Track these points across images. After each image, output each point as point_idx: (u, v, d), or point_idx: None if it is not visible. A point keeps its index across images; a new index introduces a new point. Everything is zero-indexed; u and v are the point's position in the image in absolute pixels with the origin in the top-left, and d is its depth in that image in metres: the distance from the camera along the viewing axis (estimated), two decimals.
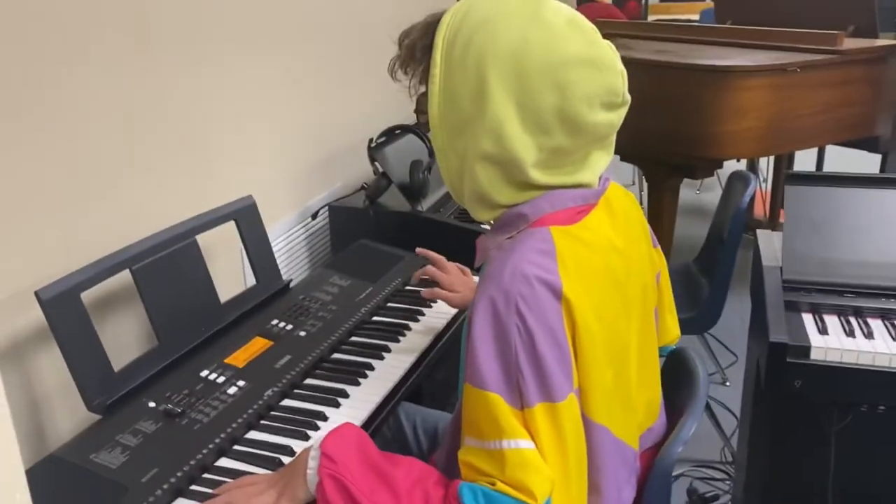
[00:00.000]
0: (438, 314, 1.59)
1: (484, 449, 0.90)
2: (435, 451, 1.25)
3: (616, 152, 3.02)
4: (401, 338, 1.49)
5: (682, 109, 2.57)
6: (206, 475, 1.12)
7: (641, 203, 4.06)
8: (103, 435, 1.16)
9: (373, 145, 2.06)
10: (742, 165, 3.89)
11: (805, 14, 3.04)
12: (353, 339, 1.50)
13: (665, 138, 2.67)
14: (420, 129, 2.11)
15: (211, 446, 1.16)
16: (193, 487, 1.09)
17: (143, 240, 1.38)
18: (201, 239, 1.50)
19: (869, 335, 1.38)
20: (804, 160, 3.65)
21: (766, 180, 3.93)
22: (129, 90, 1.49)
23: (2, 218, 1.24)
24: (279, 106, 2.02)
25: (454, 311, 1.59)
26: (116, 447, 1.13)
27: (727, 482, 2.12)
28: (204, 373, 1.33)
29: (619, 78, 0.98)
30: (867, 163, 3.15)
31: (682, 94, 2.57)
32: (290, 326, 1.50)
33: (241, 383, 1.31)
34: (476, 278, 1.54)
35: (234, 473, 1.11)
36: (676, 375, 1.22)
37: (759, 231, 1.75)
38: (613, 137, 1.06)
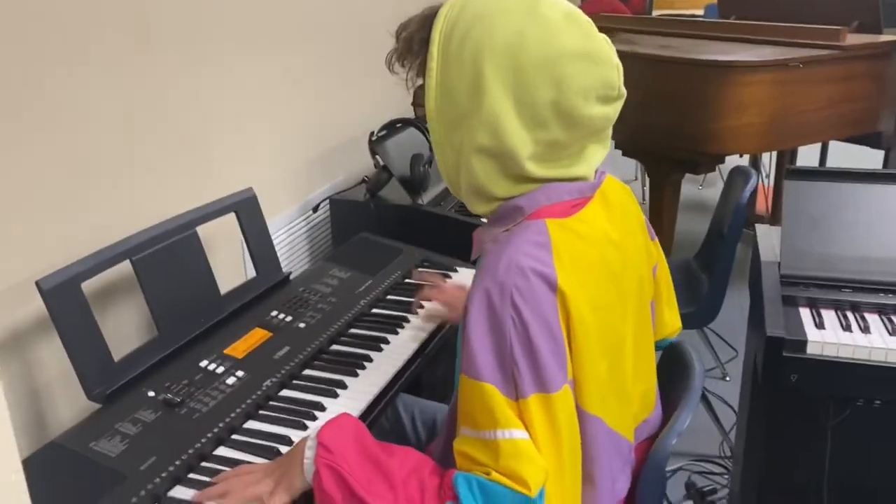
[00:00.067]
0: (438, 307, 1.59)
1: (479, 439, 0.91)
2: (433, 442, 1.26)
3: (618, 147, 3.05)
4: (399, 330, 1.50)
5: (684, 104, 2.57)
6: (204, 464, 1.12)
7: (643, 198, 4.07)
8: (103, 423, 1.17)
9: (374, 139, 2.07)
10: (745, 161, 3.89)
11: (809, 9, 3.04)
12: (353, 330, 1.51)
13: (667, 133, 2.67)
14: (421, 122, 2.12)
15: (209, 435, 1.17)
16: (191, 476, 1.10)
17: (143, 231, 1.39)
18: (202, 231, 1.51)
19: (865, 330, 1.38)
20: (807, 156, 3.64)
21: (768, 176, 3.92)
22: (129, 87, 1.50)
23: (5, 211, 1.25)
24: (280, 101, 2.03)
25: None
26: (116, 435, 1.14)
27: (725, 476, 2.12)
28: (203, 363, 1.34)
29: (614, 71, 0.98)
30: (870, 159, 3.15)
31: (684, 89, 2.57)
32: (289, 318, 1.51)
33: (240, 374, 1.32)
34: None
35: (232, 462, 1.12)
36: (672, 368, 1.23)
37: (758, 226, 1.75)
38: (609, 131, 1.07)
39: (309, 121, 2.17)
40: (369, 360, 1.39)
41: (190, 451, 1.13)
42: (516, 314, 0.90)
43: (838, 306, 1.46)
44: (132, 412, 1.20)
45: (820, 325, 1.40)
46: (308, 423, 1.21)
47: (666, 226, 2.84)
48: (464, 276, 1.73)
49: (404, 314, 1.55)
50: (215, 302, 1.50)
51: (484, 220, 1.68)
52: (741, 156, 3.86)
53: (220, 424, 1.20)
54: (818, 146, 3.60)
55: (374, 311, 1.59)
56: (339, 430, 1.00)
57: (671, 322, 1.27)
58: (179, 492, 1.07)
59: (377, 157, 2.04)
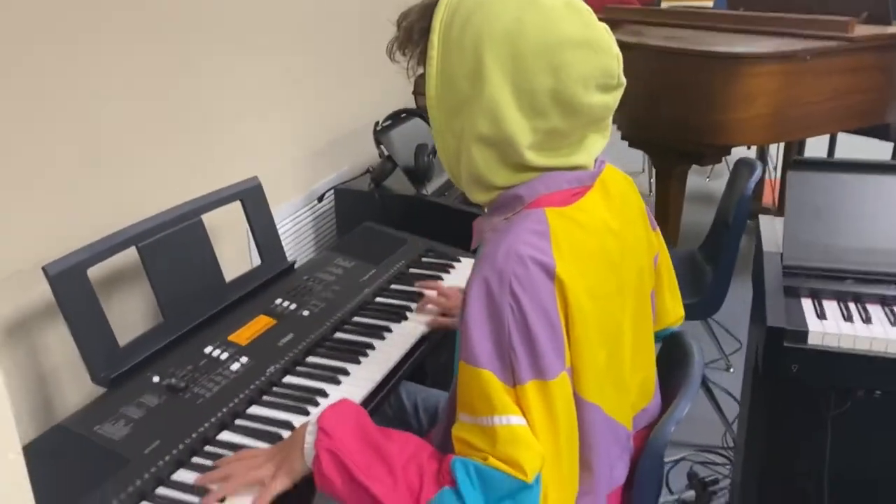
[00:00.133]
0: (444, 320, 1.60)
1: (476, 425, 0.92)
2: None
3: (624, 138, 3.04)
4: (402, 319, 1.51)
5: (691, 96, 2.57)
6: (207, 448, 1.14)
7: (650, 190, 4.06)
8: (108, 407, 1.19)
9: (378, 128, 2.07)
10: (752, 153, 3.87)
11: (818, 1, 3.01)
12: (356, 319, 1.52)
13: (673, 124, 2.67)
14: (423, 112, 2.12)
15: (213, 420, 1.18)
16: (195, 460, 1.11)
17: (149, 218, 1.41)
18: (208, 219, 1.53)
19: (867, 320, 1.38)
20: (815, 148, 3.62)
21: (776, 168, 3.90)
22: (136, 76, 1.51)
23: (14, 198, 1.27)
24: (286, 91, 2.03)
25: None
26: (120, 419, 1.16)
27: (727, 467, 2.13)
28: (208, 349, 1.36)
29: (614, 60, 0.98)
30: (879, 150, 3.13)
31: (690, 81, 2.56)
32: (293, 306, 1.52)
33: (243, 360, 1.34)
34: None
35: (235, 447, 1.14)
36: (672, 357, 1.23)
37: (761, 217, 1.75)
38: (609, 120, 1.07)
39: (314, 111, 2.17)
40: (372, 347, 1.41)
41: (193, 436, 1.14)
42: (514, 302, 0.91)
43: (840, 297, 1.45)
44: (137, 396, 1.22)
45: (821, 315, 1.40)
46: (310, 408, 1.23)
47: (672, 217, 2.84)
48: (467, 266, 1.73)
49: (407, 303, 1.56)
50: (220, 289, 1.51)
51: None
52: (749, 147, 3.85)
53: (224, 409, 1.21)
54: (826, 138, 3.58)
55: (378, 300, 1.60)
56: (339, 415, 1.01)
57: (673, 311, 1.28)
58: (182, 475, 1.08)
59: (382, 147, 2.05)
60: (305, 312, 1.50)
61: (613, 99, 1.01)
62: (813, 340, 1.34)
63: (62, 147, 1.36)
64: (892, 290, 1.45)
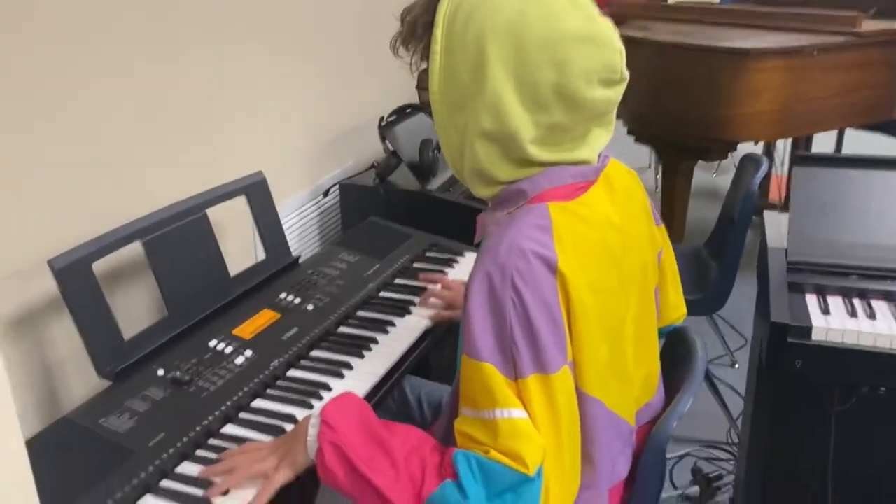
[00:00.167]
0: (448, 314, 1.60)
1: (478, 418, 0.92)
2: None
3: (631, 133, 3.03)
4: (406, 314, 1.51)
5: (696, 91, 2.56)
6: (211, 441, 1.15)
7: (656, 186, 4.05)
8: (113, 400, 1.19)
9: (383, 124, 2.07)
10: (759, 149, 3.85)
11: None
12: (360, 313, 1.52)
13: (679, 120, 2.66)
14: (427, 107, 2.12)
15: (217, 413, 1.19)
16: (199, 452, 1.12)
17: (153, 213, 1.41)
18: (214, 213, 1.53)
19: (872, 316, 1.38)
20: (823, 143, 3.60)
21: (783, 164, 3.89)
22: (142, 72, 1.52)
23: (20, 193, 1.28)
24: (291, 87, 2.04)
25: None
26: (125, 412, 1.17)
27: (732, 462, 2.13)
28: (212, 343, 1.36)
29: (617, 55, 0.98)
30: (888, 146, 3.11)
31: (696, 76, 2.55)
32: (298, 300, 1.53)
33: (248, 354, 1.35)
34: None
35: (239, 440, 1.14)
36: (676, 352, 1.23)
37: (766, 213, 1.75)
38: (613, 115, 1.06)
39: (320, 106, 2.18)
40: (375, 342, 1.41)
41: (197, 429, 1.15)
42: (516, 296, 0.91)
43: (845, 293, 1.45)
44: (142, 390, 1.22)
45: (825, 311, 1.40)
46: (314, 402, 1.23)
47: (678, 213, 2.83)
48: (471, 261, 1.73)
49: (411, 298, 1.57)
50: (225, 283, 1.52)
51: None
52: (756, 143, 3.83)
53: (228, 403, 1.22)
54: (834, 133, 3.57)
55: (382, 294, 1.60)
56: (342, 408, 1.02)
57: (677, 307, 1.28)
58: (186, 468, 1.09)
59: (386, 142, 2.05)
60: (310, 307, 1.51)
61: (616, 93, 1.01)
62: (817, 336, 1.34)
63: (67, 143, 1.37)
64: None
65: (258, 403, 1.24)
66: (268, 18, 1.91)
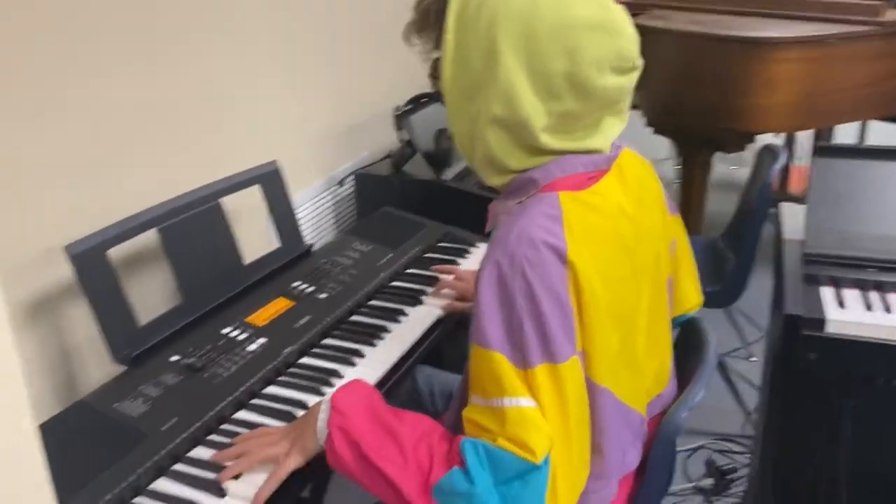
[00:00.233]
0: (460, 305, 1.60)
1: (487, 406, 0.92)
2: None
3: (648, 124, 2.99)
4: (418, 303, 1.51)
5: (714, 81, 2.53)
6: (223, 426, 1.16)
7: (675, 177, 4.01)
8: (127, 385, 1.21)
9: (399, 113, 2.07)
10: (780, 140, 3.80)
11: None
12: (372, 302, 1.53)
13: (697, 110, 2.63)
14: (441, 95, 2.12)
15: (229, 399, 1.20)
16: (211, 437, 1.13)
17: (169, 200, 1.43)
18: (230, 202, 1.54)
19: (888, 310, 1.36)
20: (846, 135, 3.55)
21: (804, 155, 3.84)
22: (159, 60, 1.53)
23: (39, 180, 1.30)
24: (307, 75, 2.04)
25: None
26: (139, 397, 1.18)
27: (747, 455, 2.11)
28: (226, 330, 1.38)
29: (629, 42, 0.97)
30: None
31: (713, 66, 2.52)
32: (311, 288, 1.54)
33: (261, 341, 1.36)
34: None
35: (251, 425, 1.15)
36: (688, 343, 1.23)
37: (783, 204, 1.73)
38: (627, 103, 1.06)
39: (335, 96, 2.18)
40: (387, 331, 1.42)
41: (210, 414, 1.16)
42: (526, 285, 0.91)
43: (861, 286, 1.43)
44: (156, 375, 1.24)
45: (841, 303, 1.38)
46: (325, 389, 1.24)
47: (695, 205, 2.80)
48: (484, 251, 1.73)
49: (423, 287, 1.57)
50: (239, 271, 1.53)
51: None
52: (777, 135, 3.78)
53: (241, 389, 1.23)
54: (857, 125, 3.51)
55: (394, 283, 1.60)
56: (352, 394, 1.03)
57: (691, 297, 1.27)
58: (199, 452, 1.10)
59: (402, 131, 2.05)
60: (323, 295, 1.52)
61: (629, 81, 1.01)
62: (831, 329, 1.33)
63: (85, 132, 1.38)
64: None
65: (270, 390, 1.25)
66: (283, 8, 1.91)
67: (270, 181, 1.64)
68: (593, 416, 0.98)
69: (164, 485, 1.04)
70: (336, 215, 2.21)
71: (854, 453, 1.49)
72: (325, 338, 1.40)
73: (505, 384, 0.91)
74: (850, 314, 1.35)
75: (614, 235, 1.00)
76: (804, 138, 3.82)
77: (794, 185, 3.77)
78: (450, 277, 1.58)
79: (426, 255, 1.73)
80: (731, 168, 4.40)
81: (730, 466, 2.04)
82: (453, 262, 1.69)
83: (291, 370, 1.30)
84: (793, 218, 1.66)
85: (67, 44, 1.33)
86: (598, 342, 0.96)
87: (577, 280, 0.93)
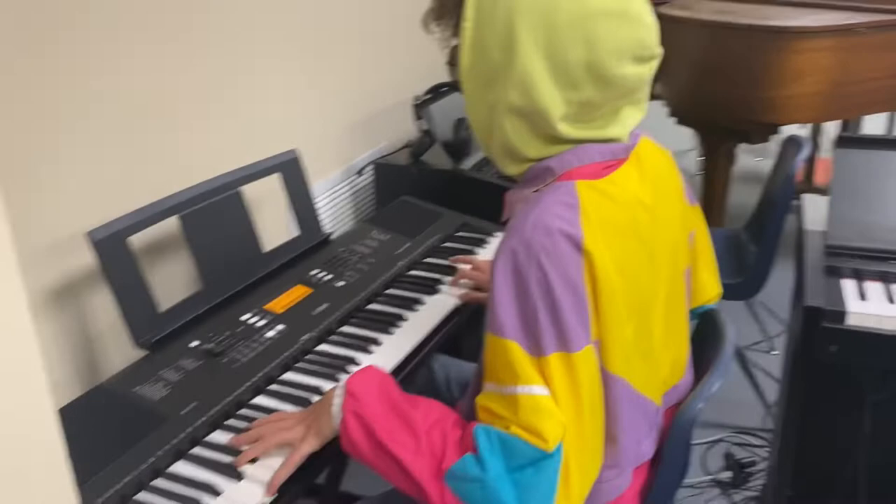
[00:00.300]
0: (477, 294, 1.60)
1: (500, 394, 0.93)
2: None
3: (672, 115, 2.95)
4: (435, 292, 1.52)
5: (739, 71, 2.50)
6: (241, 411, 1.18)
7: (698, 169, 3.97)
8: (147, 370, 1.23)
9: (418, 103, 2.08)
10: (805, 131, 3.75)
11: None
12: (389, 291, 1.53)
13: (720, 101, 2.60)
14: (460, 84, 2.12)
15: (247, 384, 1.22)
16: (229, 422, 1.15)
17: (190, 188, 1.44)
18: (251, 190, 1.56)
19: None
20: (875, 126, 3.49)
21: (831, 146, 3.78)
22: (180, 49, 1.54)
23: (63, 167, 1.32)
24: (327, 64, 2.05)
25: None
26: (159, 381, 1.20)
27: (766, 449, 2.10)
28: (245, 317, 1.39)
29: (648, 31, 0.97)
30: None
31: (739, 56, 2.49)
32: (329, 276, 1.55)
33: (279, 328, 1.37)
34: None
35: (268, 410, 1.17)
36: (706, 334, 1.22)
37: (805, 195, 1.71)
38: (646, 92, 1.05)
39: (354, 86, 2.19)
40: (404, 319, 1.42)
41: (228, 399, 1.18)
42: (541, 273, 0.91)
43: (884, 278, 1.41)
44: (175, 360, 1.26)
45: (862, 296, 1.36)
46: (341, 375, 1.25)
47: (718, 196, 2.78)
48: None
49: (440, 277, 1.57)
50: (258, 259, 1.55)
51: None
52: (802, 126, 3.73)
53: (258, 374, 1.24)
54: (886, 116, 3.45)
55: (411, 272, 1.61)
56: (366, 380, 1.04)
57: (710, 288, 1.26)
58: (217, 436, 1.12)
59: (421, 121, 2.05)
60: (341, 283, 1.53)
61: (648, 70, 1.00)
62: (852, 321, 1.31)
63: (106, 121, 1.40)
64: None
65: (287, 376, 1.27)
66: None
67: (290, 170, 1.65)
68: (608, 406, 0.98)
69: (182, 467, 1.06)
70: (355, 204, 2.22)
71: (874, 447, 1.47)
72: (343, 325, 1.41)
73: (518, 372, 0.91)
74: (871, 306, 1.33)
75: (631, 225, 1.00)
76: (830, 130, 3.76)
77: (820, 178, 3.71)
78: (467, 267, 1.58)
79: (444, 244, 1.74)
80: (755, 160, 4.35)
81: (749, 459, 2.03)
82: (471, 252, 1.69)
83: (309, 357, 1.32)
84: (815, 209, 1.63)
85: (89, 32, 1.34)
86: (613, 331, 0.96)
87: (592, 269, 0.93)
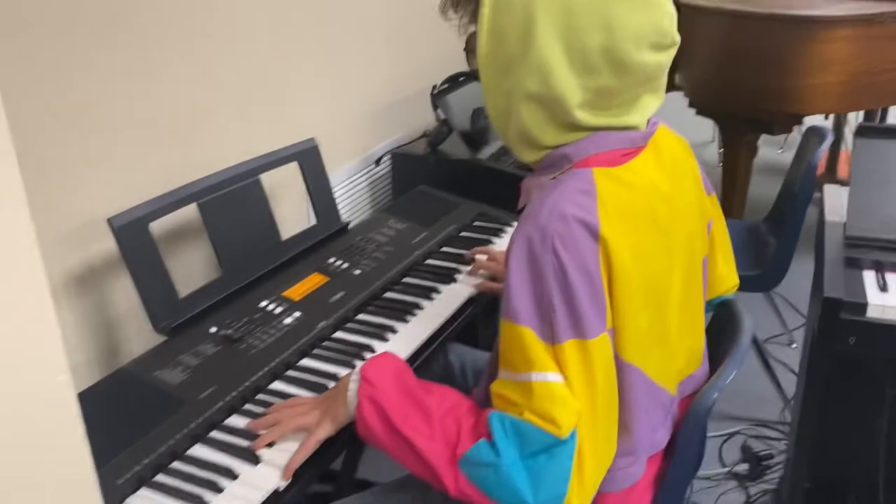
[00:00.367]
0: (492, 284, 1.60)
1: (514, 380, 0.93)
2: None
3: (692, 105, 2.92)
4: (451, 281, 1.52)
5: (761, 61, 2.47)
6: (259, 396, 1.19)
7: (719, 160, 3.93)
8: (167, 354, 1.25)
9: (435, 92, 2.08)
10: (829, 122, 3.70)
11: None
12: (406, 279, 1.54)
13: (742, 91, 2.58)
14: (477, 71, 2.11)
15: (265, 370, 1.23)
16: (246, 406, 1.16)
17: (209, 175, 1.46)
18: (269, 178, 1.57)
19: None
20: None
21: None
22: (201, 41, 1.55)
23: (85, 155, 1.33)
24: (345, 54, 2.05)
25: None
26: (178, 366, 1.22)
27: (784, 442, 2.09)
28: (263, 303, 1.41)
29: (667, 18, 0.96)
30: None
31: (761, 46, 2.46)
32: (346, 264, 1.56)
33: (296, 315, 1.38)
34: None
35: (285, 396, 1.18)
36: (723, 325, 1.21)
37: (826, 186, 1.69)
38: (663, 80, 1.04)
39: (372, 76, 2.19)
40: (420, 307, 1.43)
41: (246, 384, 1.19)
42: (556, 260, 0.91)
43: None
44: (194, 345, 1.27)
45: (883, 288, 1.35)
46: (357, 362, 1.26)
47: (739, 188, 2.75)
48: None
49: (456, 266, 1.58)
50: (276, 246, 1.56)
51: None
52: (826, 117, 3.68)
53: (276, 360, 1.26)
54: None
55: (428, 261, 1.61)
56: (381, 367, 1.04)
57: (727, 279, 1.25)
58: (234, 420, 1.13)
59: (438, 110, 2.05)
60: (357, 271, 1.54)
61: (667, 58, 0.99)
62: (872, 313, 1.30)
63: (127, 109, 1.41)
64: None
65: (304, 362, 1.28)
66: None
67: (308, 158, 1.66)
68: (622, 394, 0.98)
69: (200, 451, 1.07)
70: (372, 194, 2.23)
71: (892, 440, 1.45)
72: (359, 313, 1.42)
73: (533, 359, 0.91)
74: (892, 298, 1.31)
75: (647, 213, 0.99)
76: (855, 122, 3.71)
77: (843, 170, 3.66)
78: (484, 258, 1.58)
79: (461, 233, 1.74)
80: (777, 151, 4.30)
81: (766, 452, 2.02)
82: (488, 242, 1.69)
83: (325, 343, 1.33)
84: (836, 200, 1.62)
85: (116, 24, 1.36)
86: (628, 320, 0.96)
87: (608, 256, 0.93)
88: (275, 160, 1.60)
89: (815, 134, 2.08)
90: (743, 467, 2.02)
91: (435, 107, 2.06)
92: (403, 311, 1.41)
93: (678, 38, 0.99)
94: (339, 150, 2.04)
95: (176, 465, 1.04)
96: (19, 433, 0.54)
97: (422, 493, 1.11)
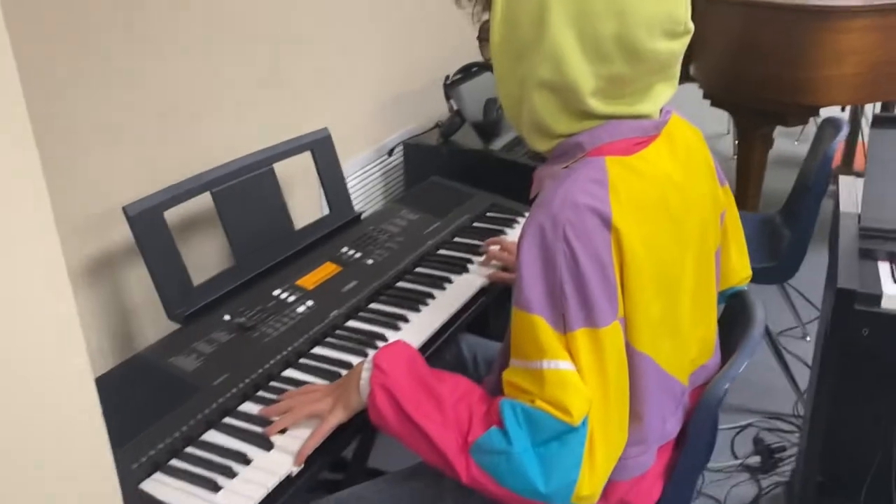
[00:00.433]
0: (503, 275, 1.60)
1: (526, 368, 0.93)
2: None
3: (706, 97, 2.89)
4: (463, 271, 1.53)
5: (777, 52, 2.45)
6: (272, 383, 1.20)
7: (734, 152, 3.91)
8: (181, 341, 1.26)
9: (448, 83, 2.07)
10: (846, 114, 3.66)
11: None
12: (418, 269, 1.55)
13: (758, 82, 2.55)
14: (489, 60, 2.11)
15: (278, 357, 1.24)
16: (259, 393, 1.17)
17: (223, 165, 1.47)
18: (283, 168, 1.58)
19: None
20: None
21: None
22: (215, 29, 1.56)
23: (101, 144, 1.35)
24: (357, 44, 2.06)
25: None
26: (192, 353, 1.23)
27: (796, 435, 2.08)
28: (276, 292, 1.42)
29: (680, 6, 0.95)
30: None
31: (777, 36, 2.44)
32: (359, 254, 1.56)
33: (309, 303, 1.39)
34: None
35: (298, 383, 1.19)
36: (736, 316, 1.21)
37: (841, 177, 1.68)
38: (677, 69, 1.04)
39: (385, 66, 2.19)
40: (432, 297, 1.43)
41: (259, 371, 1.21)
42: (568, 249, 0.91)
43: None
44: (208, 333, 1.29)
45: None
46: (369, 351, 1.27)
47: (754, 180, 2.73)
48: None
49: (468, 256, 1.58)
50: (289, 236, 1.57)
51: None
52: (843, 109, 3.65)
53: (289, 348, 1.27)
54: None
55: (440, 252, 1.62)
56: (393, 355, 1.05)
57: (740, 270, 1.25)
58: (247, 407, 1.14)
59: (451, 101, 2.05)
60: (370, 261, 1.54)
61: (680, 46, 0.99)
62: (887, 304, 1.29)
63: (143, 99, 1.42)
64: None
65: (317, 350, 1.29)
66: None
67: (322, 148, 1.67)
68: (633, 383, 0.98)
69: (214, 436, 1.08)
70: (385, 184, 2.23)
71: None
72: (371, 302, 1.43)
73: (545, 347, 0.91)
74: None
75: (660, 202, 0.99)
76: (871, 112, 3.67)
77: (860, 163, 3.63)
78: (496, 248, 1.58)
79: (473, 224, 1.74)
80: (794, 143, 4.26)
81: (778, 445, 2.01)
82: (500, 232, 1.70)
83: (338, 332, 1.34)
84: (851, 191, 1.60)
85: (130, 15, 1.36)
86: (639, 309, 0.96)
87: (620, 245, 0.93)
88: (288, 150, 1.61)
89: (830, 125, 2.06)
90: (755, 460, 2.01)
91: (448, 97, 2.06)
92: (416, 301, 1.42)
93: (692, 26, 0.98)
94: (352, 141, 2.04)
95: (190, 449, 1.06)
96: (39, 415, 0.55)
97: (434, 481, 1.12)
